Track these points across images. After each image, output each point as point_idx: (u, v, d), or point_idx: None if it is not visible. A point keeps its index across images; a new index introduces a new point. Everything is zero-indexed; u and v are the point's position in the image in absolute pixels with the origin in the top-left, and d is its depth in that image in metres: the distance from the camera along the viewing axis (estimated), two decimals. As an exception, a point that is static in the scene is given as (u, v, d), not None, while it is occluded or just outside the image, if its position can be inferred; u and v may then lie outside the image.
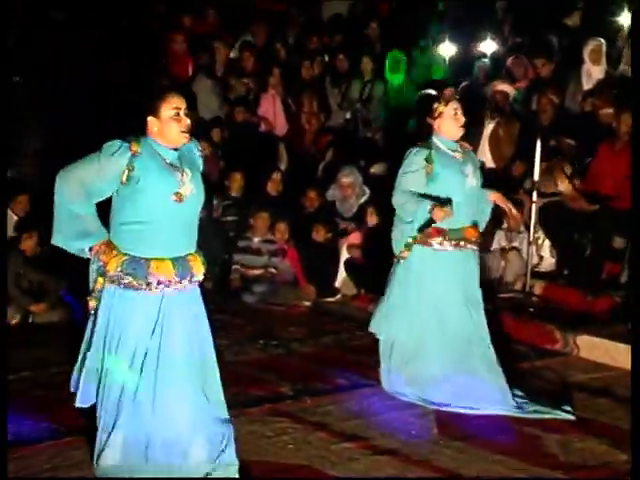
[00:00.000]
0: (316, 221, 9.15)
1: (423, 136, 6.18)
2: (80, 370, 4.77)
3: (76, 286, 8.30)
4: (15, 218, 8.50)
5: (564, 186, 8.61)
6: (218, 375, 4.80)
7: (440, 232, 5.98)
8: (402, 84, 11.13)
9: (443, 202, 5.87)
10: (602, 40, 10.27)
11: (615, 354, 7.19)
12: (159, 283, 4.59)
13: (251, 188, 9.30)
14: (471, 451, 5.42)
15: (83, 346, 4.81)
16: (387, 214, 6.52)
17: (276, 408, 5.99)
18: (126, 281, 4.56)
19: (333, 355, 7.22)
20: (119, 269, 4.55)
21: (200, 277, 4.75)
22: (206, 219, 6.95)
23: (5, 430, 4.77)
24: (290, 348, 7.38)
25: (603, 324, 7.68)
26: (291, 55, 12.05)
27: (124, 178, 4.50)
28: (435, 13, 12.60)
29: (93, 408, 5.67)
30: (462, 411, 5.94)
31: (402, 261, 6.10)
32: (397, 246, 6.12)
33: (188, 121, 4.62)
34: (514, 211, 6.26)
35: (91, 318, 4.73)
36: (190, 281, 4.69)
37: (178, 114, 4.58)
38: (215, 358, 4.81)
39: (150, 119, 4.60)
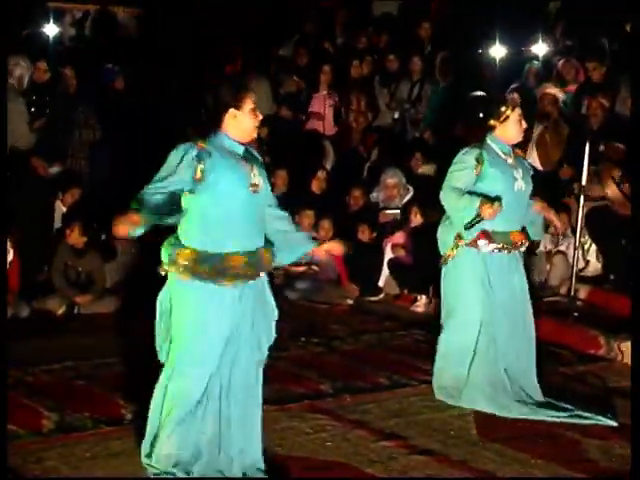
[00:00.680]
0: (361, 221, 9.16)
1: (473, 137, 6.18)
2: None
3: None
4: (64, 209, 8.62)
5: (612, 191, 8.53)
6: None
7: (486, 234, 5.97)
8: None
9: (492, 199, 5.85)
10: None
11: (660, 361, 7.13)
12: (235, 278, 4.63)
13: (296, 186, 9.32)
14: (510, 454, 5.39)
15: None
16: (432, 214, 6.53)
17: (316, 405, 6.01)
18: (205, 275, 4.58)
19: (374, 354, 7.24)
20: (200, 265, 4.57)
21: (269, 270, 4.82)
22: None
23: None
24: (331, 346, 7.40)
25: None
26: (341, 54, 12.07)
27: (198, 174, 4.52)
28: (487, 13, 12.51)
29: (135, 399, 5.79)
30: (500, 414, 5.93)
31: (450, 262, 6.09)
32: (444, 246, 6.12)
33: (261, 117, 4.76)
34: (557, 222, 6.26)
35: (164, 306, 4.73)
36: (260, 275, 4.74)
37: (255, 109, 4.70)
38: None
39: (231, 111, 4.66)
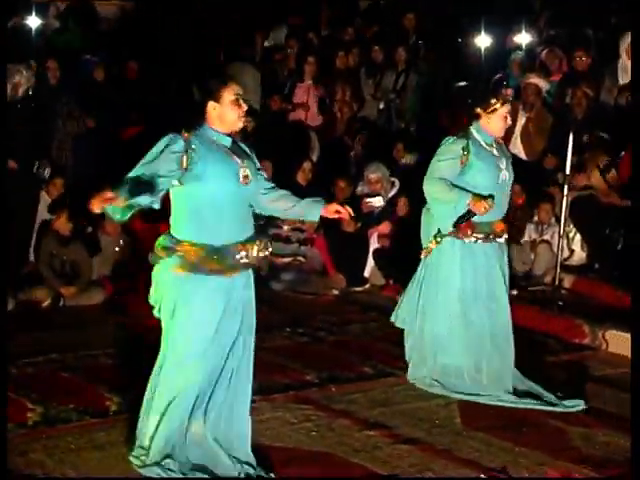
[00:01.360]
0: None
1: (457, 126, 6.19)
2: None
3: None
4: (49, 200, 8.60)
5: (596, 180, 8.55)
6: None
7: (469, 225, 5.98)
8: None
9: (483, 196, 5.88)
10: (640, 34, 10.17)
11: (644, 349, 7.16)
12: (233, 269, 4.66)
13: (281, 177, 9.29)
14: (494, 442, 5.41)
15: None
16: (417, 205, 6.52)
17: (301, 395, 6.01)
18: (208, 268, 4.61)
19: (359, 344, 7.23)
20: (202, 258, 4.60)
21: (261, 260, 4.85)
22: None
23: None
24: (316, 336, 7.38)
25: (632, 319, 7.64)
26: (326, 45, 12.06)
27: (184, 163, 4.52)
28: (472, 3, 12.51)
29: (120, 391, 5.77)
30: (482, 401, 5.95)
31: (430, 253, 6.10)
32: (426, 237, 6.13)
33: (246, 107, 4.72)
34: None
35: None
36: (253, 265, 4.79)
37: (238, 100, 4.67)
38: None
39: (211, 103, 4.66)
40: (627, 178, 8.51)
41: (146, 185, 4.42)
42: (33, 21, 10.90)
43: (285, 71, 11.31)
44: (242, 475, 4.67)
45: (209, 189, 4.58)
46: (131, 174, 4.46)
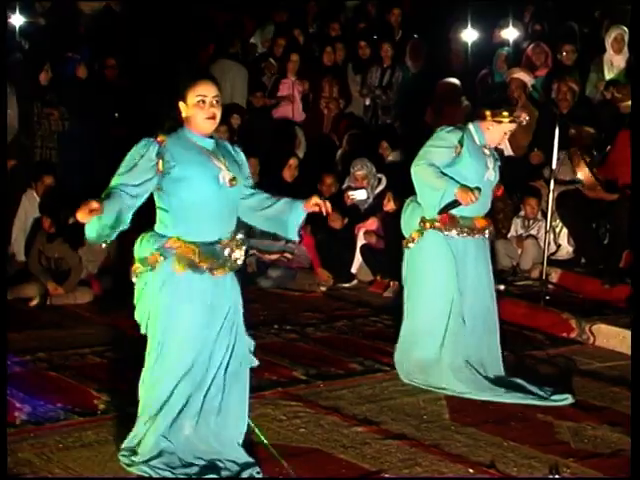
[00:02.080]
0: (333, 208, 9.10)
1: (444, 122, 6.20)
2: None
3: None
4: (38, 199, 8.60)
5: (582, 174, 8.56)
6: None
7: (452, 219, 5.99)
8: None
9: (472, 188, 5.87)
10: (625, 29, 10.19)
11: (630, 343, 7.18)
12: (223, 267, 4.68)
13: (267, 174, 9.29)
14: (483, 437, 5.41)
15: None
16: (404, 201, 6.51)
17: (289, 392, 5.99)
18: (203, 265, 4.61)
19: (347, 340, 7.23)
20: (193, 256, 4.59)
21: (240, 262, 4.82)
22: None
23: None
24: (304, 333, 7.38)
25: (620, 313, 7.66)
26: (313, 41, 12.05)
27: (159, 167, 4.52)
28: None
29: (108, 389, 5.76)
30: (467, 396, 5.95)
31: (412, 245, 6.10)
32: (408, 228, 6.14)
33: (213, 109, 4.61)
34: None
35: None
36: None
37: (203, 101, 4.59)
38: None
39: (181, 104, 4.65)
40: (613, 172, 8.56)
41: (128, 204, 4.44)
42: (17, 19, 10.87)
43: (270, 68, 11.29)
44: (234, 474, 4.66)
45: (190, 191, 4.57)
46: (111, 185, 4.45)
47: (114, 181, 4.49)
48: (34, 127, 9.20)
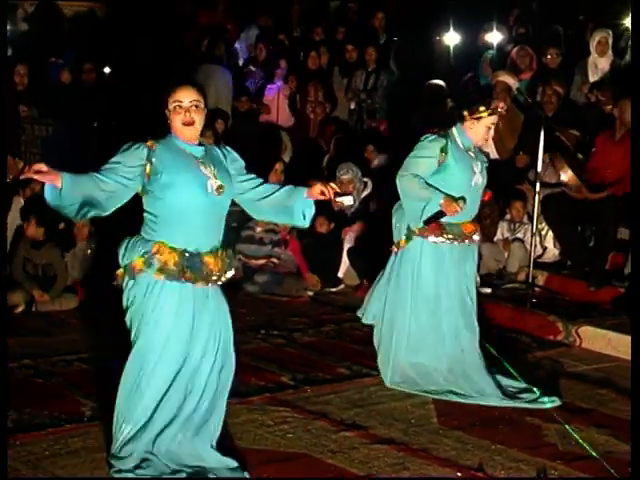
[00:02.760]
0: (319, 212, 9.09)
1: (429, 126, 6.20)
2: None
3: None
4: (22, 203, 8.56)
5: (567, 176, 8.58)
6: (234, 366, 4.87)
7: (439, 226, 6.00)
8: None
9: (456, 199, 5.90)
10: (609, 32, 10.24)
11: (617, 345, 7.20)
12: (206, 277, 4.66)
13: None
14: (471, 440, 5.43)
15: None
16: (390, 204, 6.53)
17: (276, 397, 6.00)
18: (187, 275, 4.59)
19: (334, 345, 7.23)
20: (178, 265, 4.58)
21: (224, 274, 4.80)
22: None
23: (5, 432, 4.80)
24: (291, 338, 7.36)
25: (605, 315, 7.69)
26: (298, 45, 12.06)
27: (147, 172, 4.54)
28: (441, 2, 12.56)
29: (95, 396, 5.75)
30: (455, 399, 5.97)
31: (400, 251, 6.11)
32: (397, 234, 6.15)
33: (190, 114, 4.60)
34: None
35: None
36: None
37: (180, 107, 4.59)
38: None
39: (166, 111, 4.66)
40: (597, 173, 8.59)
41: (96, 190, 4.45)
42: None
43: (256, 72, 11.30)
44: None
45: (177, 198, 4.56)
46: (93, 174, 4.48)
47: (99, 172, 4.51)
48: (19, 132, 9.15)
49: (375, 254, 8.40)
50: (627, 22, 10.49)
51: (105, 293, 6.66)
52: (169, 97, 4.63)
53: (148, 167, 4.55)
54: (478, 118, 5.99)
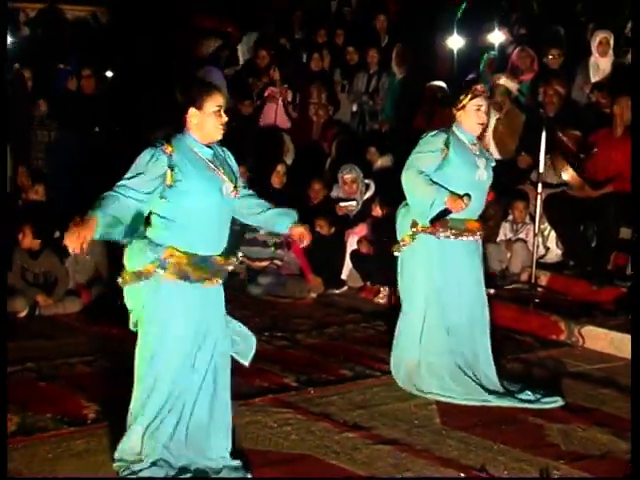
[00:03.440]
0: (321, 214, 9.15)
1: (431, 126, 6.21)
2: None
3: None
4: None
5: (569, 175, 8.57)
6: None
7: (443, 222, 6.00)
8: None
9: (461, 195, 5.90)
10: (609, 32, 10.24)
11: (620, 345, 7.20)
12: (215, 277, 4.74)
13: (256, 181, 9.29)
14: (474, 441, 5.43)
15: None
16: (393, 206, 6.53)
17: (280, 399, 6.00)
18: (197, 276, 4.66)
19: (337, 346, 7.23)
20: (190, 267, 4.64)
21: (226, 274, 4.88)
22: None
23: (5, 433, 4.79)
24: (295, 340, 7.39)
25: (608, 315, 7.70)
26: (300, 48, 12.06)
27: (168, 180, 4.56)
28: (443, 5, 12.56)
29: (98, 399, 5.76)
30: (455, 402, 5.97)
31: (404, 248, 6.12)
32: (401, 231, 6.15)
33: (226, 118, 4.71)
34: None
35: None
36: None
37: (219, 111, 4.67)
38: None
39: (192, 111, 4.66)
40: (598, 169, 8.59)
41: (126, 213, 4.49)
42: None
43: (258, 76, 11.29)
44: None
45: (195, 204, 4.60)
46: (115, 191, 4.49)
47: (118, 185, 4.52)
48: (29, 136, 9.12)
49: (378, 256, 8.47)
50: (628, 23, 10.49)
51: (109, 296, 6.74)
52: (207, 99, 4.66)
53: (169, 176, 4.56)
54: (462, 107, 6.03)
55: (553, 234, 8.99)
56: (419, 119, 10.24)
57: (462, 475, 4.99)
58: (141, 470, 4.65)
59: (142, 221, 4.65)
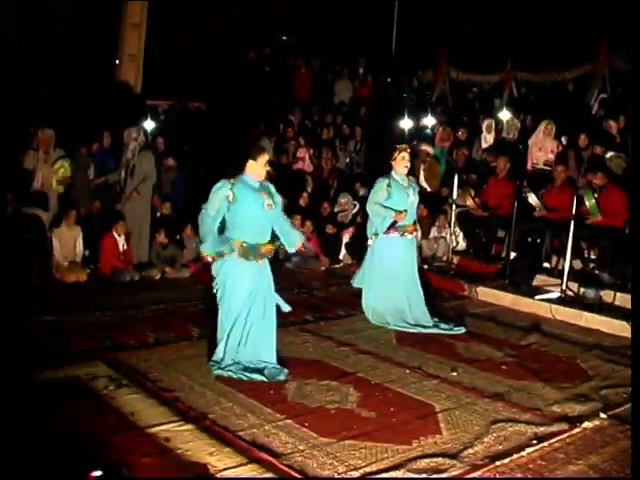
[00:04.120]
0: (328, 221, 9.13)
1: (387, 171, 6.22)
2: None
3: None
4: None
5: (469, 202, 8.55)
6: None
7: (394, 227, 5.98)
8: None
9: (401, 211, 5.89)
10: (493, 119, 10.19)
11: (498, 297, 7.17)
12: (259, 256, 4.68)
13: (290, 202, 9.26)
14: (416, 352, 5.41)
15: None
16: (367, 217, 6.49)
17: (303, 327, 5.97)
18: (250, 256, 4.64)
19: (337, 297, 7.18)
20: (246, 250, 4.63)
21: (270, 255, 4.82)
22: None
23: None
24: (312, 293, 7.32)
25: (491, 280, 7.64)
26: (316, 125, 12.00)
27: (230, 198, 4.59)
28: (399, 99, 12.50)
29: (199, 325, 5.71)
30: (406, 330, 5.92)
31: (371, 243, 6.11)
32: (369, 233, 6.15)
33: (269, 168, 4.77)
34: None
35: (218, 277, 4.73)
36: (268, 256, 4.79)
37: (266, 163, 4.72)
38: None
39: (250, 162, 4.68)
40: (486, 200, 8.54)
41: (215, 228, 4.63)
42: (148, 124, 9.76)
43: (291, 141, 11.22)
44: (273, 374, 4.66)
45: (246, 212, 4.62)
46: (206, 214, 4.59)
47: (204, 206, 4.59)
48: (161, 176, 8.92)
49: (360, 246, 8.43)
50: (502, 115, 10.40)
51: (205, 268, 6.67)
52: (261, 155, 4.67)
53: (231, 196, 4.59)
54: (394, 159, 5.97)
55: (461, 234, 8.95)
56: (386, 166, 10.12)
57: (407, 372, 4.95)
58: (226, 366, 4.64)
59: (218, 225, 4.67)
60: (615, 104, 9.62)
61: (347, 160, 11.21)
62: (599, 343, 5.83)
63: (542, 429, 4.12)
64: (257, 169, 4.71)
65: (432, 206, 8.84)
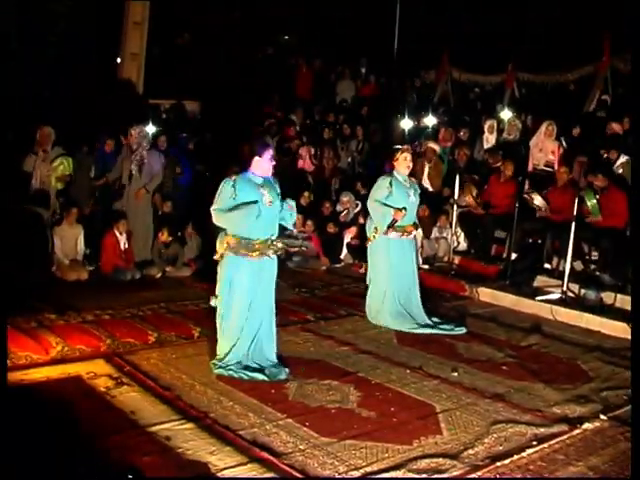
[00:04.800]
0: (330, 221, 9.13)
1: (389, 170, 6.21)
2: None
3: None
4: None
5: (470, 201, 8.54)
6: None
7: (393, 227, 5.98)
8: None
9: (400, 209, 5.89)
10: (495, 119, 10.18)
11: (499, 298, 7.17)
12: (261, 254, 4.69)
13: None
14: (416, 352, 5.41)
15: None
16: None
17: (304, 327, 5.98)
18: (242, 252, 4.65)
19: (338, 297, 7.18)
20: (239, 246, 4.65)
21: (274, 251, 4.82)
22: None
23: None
24: (313, 293, 7.32)
25: (492, 281, 7.62)
26: (318, 124, 11.99)
27: (233, 194, 4.63)
28: (401, 99, 12.50)
29: (200, 324, 5.72)
30: (408, 330, 5.92)
31: (370, 243, 6.12)
32: (369, 231, 6.16)
33: (274, 163, 4.78)
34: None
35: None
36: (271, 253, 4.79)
37: (272, 158, 4.75)
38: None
39: (256, 158, 4.71)
40: (486, 198, 8.54)
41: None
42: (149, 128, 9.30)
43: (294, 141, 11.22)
44: (274, 374, 4.68)
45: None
46: (218, 207, 4.64)
47: (216, 210, 4.65)
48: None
49: (361, 245, 8.44)
50: (503, 115, 10.41)
51: (208, 266, 6.68)
52: (265, 151, 4.70)
53: (233, 191, 4.65)
54: (396, 159, 5.98)
55: (462, 234, 8.94)
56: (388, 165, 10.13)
57: (408, 371, 4.95)
58: (227, 365, 4.65)
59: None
60: (616, 106, 9.61)
61: (349, 160, 11.20)
62: (600, 345, 5.83)
63: (542, 430, 4.12)
64: (263, 165, 4.72)
65: (434, 206, 8.83)
